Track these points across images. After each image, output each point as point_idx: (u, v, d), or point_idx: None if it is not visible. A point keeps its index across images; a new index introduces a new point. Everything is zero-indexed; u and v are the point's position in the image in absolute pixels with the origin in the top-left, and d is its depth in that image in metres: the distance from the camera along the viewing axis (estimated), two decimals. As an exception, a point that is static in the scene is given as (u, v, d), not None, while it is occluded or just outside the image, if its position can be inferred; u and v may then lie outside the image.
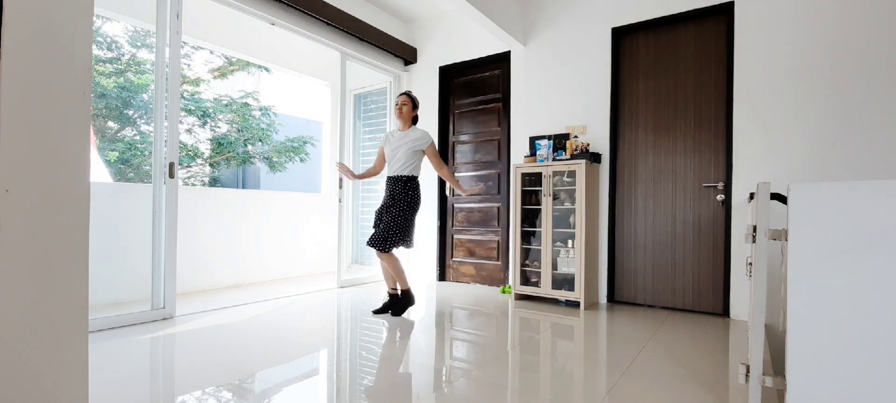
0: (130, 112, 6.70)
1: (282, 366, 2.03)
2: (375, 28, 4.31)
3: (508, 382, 1.86)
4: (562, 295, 3.37)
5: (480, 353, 2.24)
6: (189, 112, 7.67)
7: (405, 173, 3.02)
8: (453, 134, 4.58)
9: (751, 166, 3.02)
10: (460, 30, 4.47)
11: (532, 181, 3.64)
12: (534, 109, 3.94)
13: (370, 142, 5.08)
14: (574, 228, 3.36)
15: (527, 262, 3.63)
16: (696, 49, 3.28)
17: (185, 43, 5.93)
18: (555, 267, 3.46)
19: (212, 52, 8.22)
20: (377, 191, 5.00)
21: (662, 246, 3.37)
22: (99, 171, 5.82)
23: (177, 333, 2.52)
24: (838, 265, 1.19)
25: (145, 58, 6.68)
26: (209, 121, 8.02)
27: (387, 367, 2.04)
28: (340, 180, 4.11)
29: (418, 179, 3.08)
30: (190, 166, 8.24)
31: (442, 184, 4.58)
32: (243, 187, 11.10)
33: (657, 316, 3.14)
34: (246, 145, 8.52)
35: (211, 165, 8.66)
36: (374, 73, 4.80)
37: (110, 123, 6.68)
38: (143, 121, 6.78)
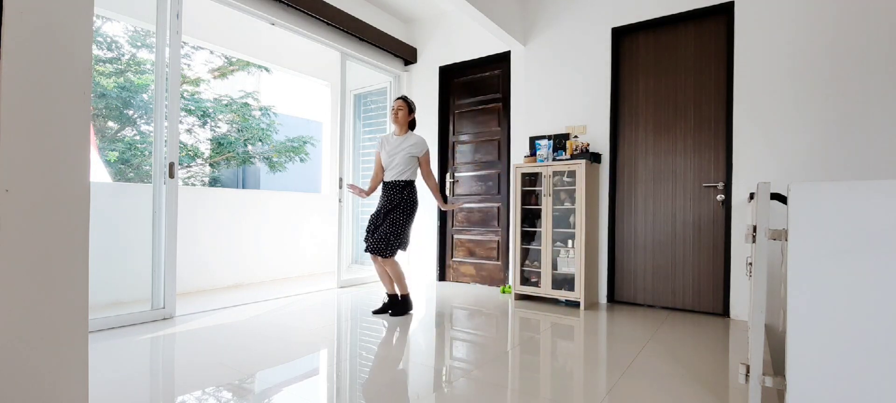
0: (130, 112, 6.70)
1: (282, 366, 2.03)
2: (375, 28, 4.31)
3: (508, 382, 1.86)
4: (562, 295, 3.37)
5: (480, 353, 2.24)
6: (189, 112, 7.67)
7: (403, 178, 3.02)
8: (453, 134, 4.58)
9: (751, 166, 3.02)
10: (460, 30, 4.47)
11: (532, 181, 3.64)
12: (534, 109, 3.94)
13: (370, 142, 5.08)
14: (574, 228, 3.36)
15: (527, 262, 3.63)
16: (696, 49, 3.28)
17: (185, 43, 5.93)
18: (555, 267, 3.46)
19: (212, 52, 8.22)
20: (376, 192, 5.00)
21: (662, 246, 3.37)
22: (99, 171, 5.82)
23: (177, 333, 2.52)
24: (838, 265, 1.20)
25: (145, 58, 6.68)
26: (209, 121, 8.02)
27: (387, 367, 2.04)
28: (340, 180, 4.11)
29: (415, 183, 3.10)
30: (190, 166, 8.24)
31: (443, 185, 4.58)
32: (243, 187, 11.10)
33: (657, 316, 3.14)
34: (246, 145, 8.52)
35: (211, 165, 8.66)
36: (374, 73, 4.80)
37: (110, 123, 6.68)
38: (143, 121, 6.78)
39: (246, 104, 8.34)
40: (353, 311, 3.17)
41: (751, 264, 1.93)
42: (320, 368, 2.06)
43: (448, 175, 4.57)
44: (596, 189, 3.52)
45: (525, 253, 3.65)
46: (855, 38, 2.73)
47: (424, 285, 4.32)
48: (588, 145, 3.45)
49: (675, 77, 3.35)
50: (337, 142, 4.56)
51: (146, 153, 6.65)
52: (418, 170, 3.12)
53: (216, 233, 4.09)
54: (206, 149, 8.38)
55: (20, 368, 0.93)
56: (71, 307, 1.00)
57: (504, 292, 3.94)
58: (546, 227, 3.43)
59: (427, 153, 3.10)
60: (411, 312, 3.12)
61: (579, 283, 3.27)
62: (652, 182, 3.43)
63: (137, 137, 6.92)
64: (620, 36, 3.60)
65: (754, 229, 1.47)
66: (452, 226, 4.56)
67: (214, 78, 8.85)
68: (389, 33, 4.56)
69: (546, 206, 3.43)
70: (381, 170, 3.16)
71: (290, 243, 4.76)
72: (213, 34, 4.41)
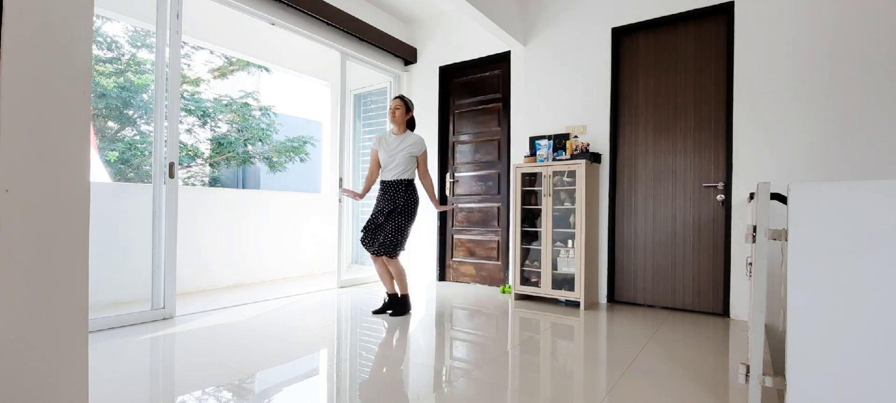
0: (130, 112, 6.71)
1: (282, 366, 2.03)
2: (375, 28, 4.31)
3: (508, 382, 1.86)
4: (562, 295, 3.37)
5: (480, 353, 2.24)
6: (189, 112, 7.68)
7: (405, 177, 3.03)
8: (453, 134, 4.58)
9: (751, 166, 3.02)
10: (460, 30, 4.47)
11: (532, 181, 3.64)
12: (534, 109, 3.94)
13: (370, 142, 5.08)
14: (574, 228, 3.36)
15: (527, 262, 3.63)
16: (696, 49, 3.28)
17: (185, 43, 5.93)
18: (555, 267, 3.46)
19: (212, 52, 8.22)
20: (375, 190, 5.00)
21: (662, 246, 3.37)
22: (99, 171, 5.82)
23: (177, 333, 2.52)
24: (838, 265, 1.20)
25: (145, 58, 6.68)
26: (209, 121, 8.02)
27: (387, 367, 2.04)
28: (340, 180, 4.12)
29: (415, 182, 3.11)
30: (190, 166, 8.24)
31: (443, 185, 4.58)
32: (243, 187, 11.10)
33: (657, 316, 3.14)
34: (246, 145, 8.52)
35: (211, 165, 8.67)
36: (374, 73, 4.80)
37: (110, 123, 6.68)
38: (143, 121, 6.78)
39: (246, 104, 8.34)
40: (353, 311, 3.17)
41: (751, 264, 1.93)
42: (320, 368, 2.06)
43: (448, 175, 4.57)
44: (596, 189, 3.52)
45: (525, 253, 3.65)
46: (855, 37, 2.73)
47: (424, 285, 4.32)
48: (588, 145, 3.45)
49: (675, 77, 3.35)
50: (337, 142, 4.56)
51: (146, 153, 6.65)
52: (417, 170, 3.12)
53: (216, 233, 4.09)
54: (206, 149, 8.38)
55: (20, 368, 0.93)
56: (71, 307, 1.00)
57: (504, 292, 3.94)
58: (546, 227, 3.43)
59: (426, 153, 3.11)
60: (410, 312, 3.12)
61: (579, 283, 3.27)
62: (652, 182, 3.43)
63: (137, 137, 6.92)
64: (620, 36, 3.60)
65: (754, 229, 1.47)
66: (452, 226, 4.56)
67: (214, 78, 8.86)
68: (389, 33, 4.56)
69: (546, 206, 3.43)
70: (376, 168, 3.16)
71: (290, 243, 4.76)
72: (213, 34, 4.41)
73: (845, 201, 1.19)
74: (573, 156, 3.42)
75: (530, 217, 3.65)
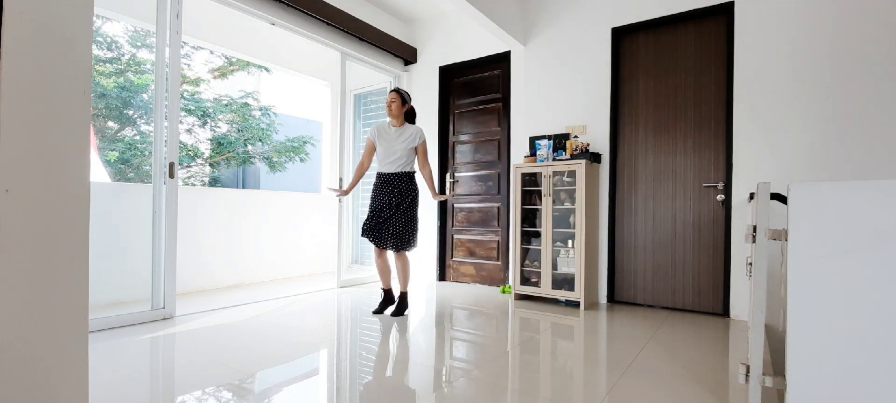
0: (130, 112, 6.71)
1: (282, 366, 2.03)
2: (375, 28, 4.31)
3: (508, 382, 1.86)
4: (562, 295, 3.37)
5: (480, 353, 2.24)
6: (189, 112, 7.68)
7: (407, 169, 3.04)
8: (453, 134, 4.58)
9: (751, 166, 3.02)
10: (460, 30, 4.47)
11: (532, 181, 3.64)
12: (534, 109, 3.94)
13: (370, 142, 5.08)
14: (574, 228, 3.36)
15: (527, 262, 3.63)
16: (696, 49, 3.28)
17: (185, 43, 5.93)
18: (555, 267, 3.46)
19: (212, 52, 8.22)
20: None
21: (662, 246, 3.37)
22: (99, 171, 5.82)
23: (177, 333, 2.52)
24: (838, 265, 1.20)
25: (145, 58, 6.68)
26: (209, 121, 8.03)
27: (387, 367, 2.04)
28: (340, 180, 4.12)
29: (417, 174, 3.12)
30: (190, 166, 8.25)
31: (443, 185, 4.58)
32: (243, 187, 11.10)
33: (657, 316, 3.14)
34: (246, 145, 8.53)
35: (211, 165, 8.67)
36: (374, 73, 4.80)
37: (110, 123, 6.68)
38: (143, 121, 6.78)
39: (246, 104, 8.35)
40: (353, 311, 3.17)
41: (751, 264, 1.93)
42: (320, 368, 2.06)
43: (448, 175, 4.57)
44: (596, 189, 3.52)
45: (525, 253, 3.65)
46: (855, 37, 2.73)
47: (424, 285, 4.32)
48: (588, 145, 3.45)
49: (675, 77, 3.35)
50: (337, 142, 4.56)
51: (146, 153, 6.65)
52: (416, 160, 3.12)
53: (216, 233, 4.09)
54: (206, 149, 8.38)
55: (20, 368, 0.93)
56: (71, 307, 1.00)
57: (504, 292, 3.94)
58: (546, 227, 3.43)
59: (425, 142, 3.09)
60: (407, 311, 3.12)
61: (579, 283, 3.27)
62: (652, 182, 3.43)
63: (137, 137, 6.92)
64: (620, 36, 3.60)
65: (754, 229, 1.47)
66: (452, 226, 4.56)
67: (214, 78, 8.86)
68: (389, 33, 4.56)
69: (546, 206, 3.43)
70: (369, 159, 3.15)
71: (290, 243, 4.76)
72: (213, 34, 4.41)
73: (845, 201, 1.19)
74: (573, 156, 3.42)
75: (530, 217, 3.65)
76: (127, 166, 6.78)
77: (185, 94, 7.68)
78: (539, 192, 3.56)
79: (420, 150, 3.08)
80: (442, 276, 4.60)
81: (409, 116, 3.17)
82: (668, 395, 1.74)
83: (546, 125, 3.87)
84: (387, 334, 2.59)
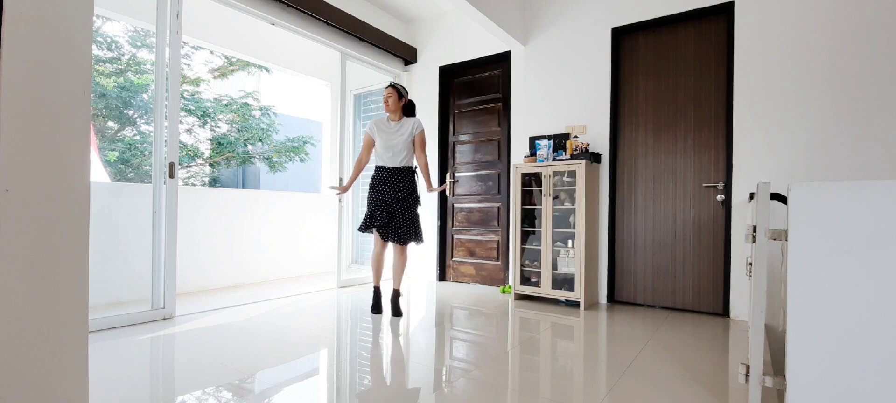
0: (130, 112, 6.71)
1: (282, 366, 2.03)
2: (375, 28, 4.31)
3: (508, 382, 1.86)
4: (562, 295, 3.37)
5: (480, 353, 2.24)
6: (189, 112, 7.68)
7: (408, 163, 3.05)
8: (453, 134, 4.58)
9: (751, 166, 3.02)
10: (460, 30, 4.46)
11: (532, 181, 3.64)
12: (534, 109, 3.94)
13: (370, 142, 5.08)
14: (574, 228, 3.36)
15: (527, 262, 3.63)
16: (696, 49, 3.28)
17: (185, 43, 5.93)
18: (555, 267, 3.46)
19: (212, 52, 8.22)
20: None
21: (662, 246, 3.37)
22: (99, 171, 5.82)
23: (177, 333, 2.52)
24: (838, 265, 1.19)
25: (145, 58, 6.68)
26: (209, 121, 8.03)
27: (387, 367, 2.04)
28: (340, 180, 4.12)
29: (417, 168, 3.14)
30: (190, 166, 8.25)
31: (443, 183, 4.58)
32: (243, 187, 11.10)
33: (657, 316, 3.14)
34: (246, 145, 8.53)
35: (211, 165, 8.67)
36: (374, 73, 4.80)
37: (110, 123, 6.68)
38: (143, 121, 6.79)
39: (246, 104, 8.35)
40: (353, 311, 3.17)
41: (751, 264, 1.93)
42: (320, 368, 2.06)
43: (448, 175, 4.57)
44: (596, 189, 3.52)
45: (525, 253, 3.65)
46: (855, 37, 2.73)
47: (424, 285, 4.32)
48: (588, 145, 3.45)
49: (676, 77, 3.35)
50: (337, 142, 4.56)
51: (146, 153, 6.66)
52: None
53: (216, 233, 4.09)
54: (206, 149, 8.38)
55: (20, 368, 0.93)
56: (71, 307, 1.00)
57: (504, 292, 3.94)
58: (546, 227, 3.43)
59: (423, 132, 3.07)
60: (401, 305, 3.15)
61: (579, 283, 3.27)
62: (652, 182, 3.43)
63: (137, 137, 6.92)
64: (620, 36, 3.60)
65: (754, 229, 1.47)
66: (452, 226, 4.57)
67: (214, 78, 8.86)
68: (389, 33, 4.56)
69: (546, 206, 3.43)
70: (367, 154, 3.14)
71: (289, 243, 4.76)
72: (213, 34, 4.41)
73: (845, 201, 1.19)
74: (573, 156, 3.42)
75: (530, 217, 3.65)
76: (127, 166, 6.78)
77: (185, 94, 7.68)
78: (539, 192, 3.56)
79: (417, 140, 3.06)
80: (442, 276, 4.60)
81: (408, 110, 3.16)
82: (668, 395, 1.74)
83: (546, 125, 3.87)
84: (387, 334, 2.59)
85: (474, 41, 4.37)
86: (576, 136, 3.64)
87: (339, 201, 4.09)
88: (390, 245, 3.08)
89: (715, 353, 2.29)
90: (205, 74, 8.60)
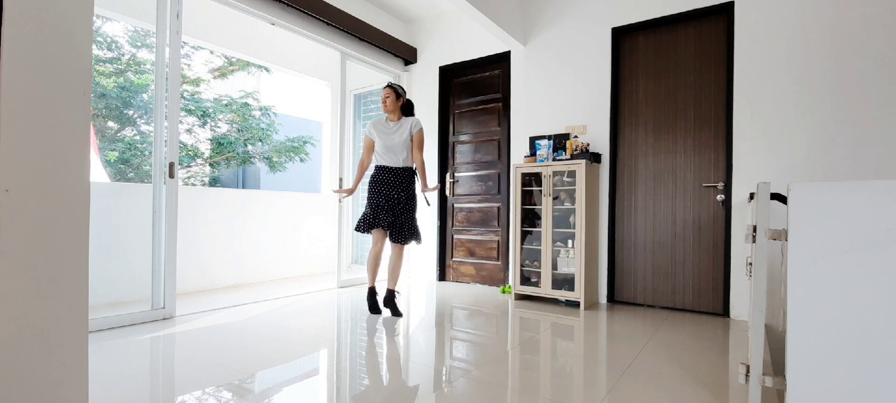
0: (130, 112, 6.71)
1: (282, 366, 2.03)
2: (375, 28, 4.31)
3: (508, 382, 1.86)
4: (562, 295, 3.37)
5: (480, 353, 2.24)
6: (189, 112, 7.68)
7: (409, 164, 3.06)
8: (453, 134, 4.58)
9: (751, 166, 3.02)
10: (460, 30, 4.46)
11: (532, 181, 3.64)
12: (534, 109, 3.94)
13: (370, 142, 5.08)
14: (574, 228, 3.36)
15: (527, 262, 3.63)
16: (696, 49, 3.28)
17: (185, 43, 5.93)
18: (555, 267, 3.46)
19: (212, 52, 8.22)
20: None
21: (662, 246, 3.37)
22: (99, 171, 5.82)
23: (177, 333, 2.52)
24: (838, 265, 1.19)
25: (145, 58, 6.68)
26: (209, 121, 8.03)
27: (387, 367, 2.04)
28: (340, 180, 4.12)
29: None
30: (190, 166, 8.25)
31: (443, 185, 4.58)
32: (243, 187, 11.10)
33: (657, 315, 3.14)
34: (246, 145, 8.53)
35: (211, 165, 8.67)
36: (375, 73, 4.80)
37: (110, 123, 6.68)
38: (143, 121, 6.79)
39: (246, 104, 8.35)
40: (353, 311, 3.17)
41: (751, 264, 1.93)
42: (320, 368, 2.06)
43: (448, 175, 4.57)
44: (596, 189, 3.52)
45: (525, 253, 3.65)
46: (855, 37, 2.72)
47: (424, 285, 4.32)
48: (588, 145, 3.45)
49: (676, 77, 3.35)
50: (337, 142, 4.56)
51: (146, 153, 6.65)
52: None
53: (216, 233, 4.09)
54: (206, 149, 8.38)
55: (20, 368, 0.93)
56: (71, 307, 1.00)
57: (504, 292, 3.94)
58: (546, 227, 3.43)
59: (421, 130, 3.07)
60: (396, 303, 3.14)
61: (579, 283, 3.27)
62: (652, 182, 3.43)
63: (137, 137, 6.92)
64: (620, 36, 3.60)
65: (754, 229, 1.47)
66: (452, 226, 4.56)
67: (214, 78, 8.86)
68: (389, 33, 4.56)
69: (546, 206, 3.43)
70: (369, 155, 3.16)
71: (289, 243, 4.76)
72: (213, 34, 4.41)
73: (845, 201, 1.19)
74: (573, 156, 3.42)
75: (530, 217, 3.65)
76: (127, 166, 6.78)
77: (185, 94, 7.68)
78: (539, 192, 3.56)
79: (415, 138, 3.05)
80: (442, 276, 4.60)
81: (407, 109, 3.16)
82: (668, 395, 1.74)
83: (546, 125, 3.87)
84: (387, 334, 2.59)
85: (474, 41, 4.37)
86: (576, 136, 3.64)
87: (340, 201, 4.09)
88: (389, 245, 3.09)
89: (715, 353, 2.29)
90: (205, 74, 8.60)
